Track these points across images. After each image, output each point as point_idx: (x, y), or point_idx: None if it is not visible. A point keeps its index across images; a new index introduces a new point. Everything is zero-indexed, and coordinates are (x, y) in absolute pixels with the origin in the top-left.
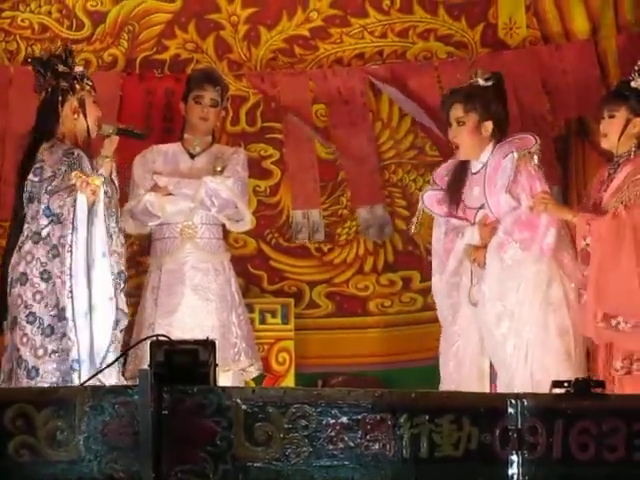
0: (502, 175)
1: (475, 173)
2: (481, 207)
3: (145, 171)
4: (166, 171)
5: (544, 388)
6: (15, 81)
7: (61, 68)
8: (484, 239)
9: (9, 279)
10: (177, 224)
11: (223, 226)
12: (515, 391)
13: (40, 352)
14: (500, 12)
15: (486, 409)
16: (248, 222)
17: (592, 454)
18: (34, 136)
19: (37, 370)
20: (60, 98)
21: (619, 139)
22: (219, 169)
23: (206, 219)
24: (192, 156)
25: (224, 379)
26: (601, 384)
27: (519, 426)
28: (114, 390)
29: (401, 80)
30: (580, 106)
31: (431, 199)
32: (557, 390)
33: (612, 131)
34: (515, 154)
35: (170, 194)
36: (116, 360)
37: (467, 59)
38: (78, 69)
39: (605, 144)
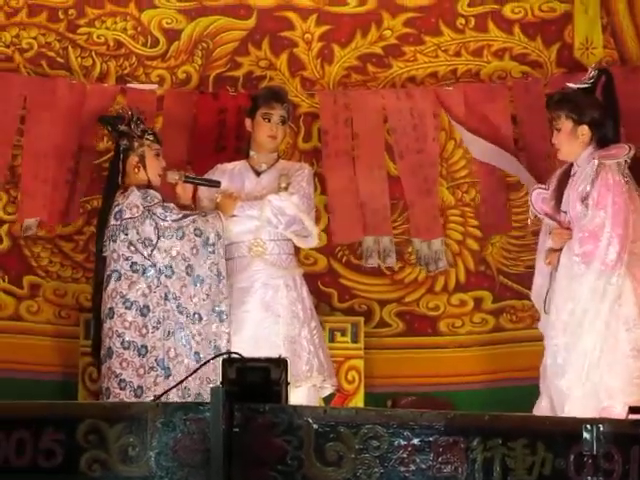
0: (583, 181)
1: (572, 176)
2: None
3: (211, 192)
4: (231, 190)
5: (612, 414)
6: (90, 97)
7: (122, 128)
8: (555, 243)
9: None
10: (244, 242)
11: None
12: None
13: None
14: (576, 32)
15: (561, 434)
16: (315, 238)
17: None
18: (106, 188)
19: None
20: (122, 156)
21: None
22: (284, 185)
23: (274, 235)
24: (258, 174)
25: (296, 395)
26: None
27: (594, 452)
28: (185, 406)
29: (474, 104)
30: None
31: (537, 197)
32: (634, 416)
33: None
34: (596, 161)
35: (234, 216)
36: (185, 378)
37: (542, 79)
38: (139, 127)
39: None
